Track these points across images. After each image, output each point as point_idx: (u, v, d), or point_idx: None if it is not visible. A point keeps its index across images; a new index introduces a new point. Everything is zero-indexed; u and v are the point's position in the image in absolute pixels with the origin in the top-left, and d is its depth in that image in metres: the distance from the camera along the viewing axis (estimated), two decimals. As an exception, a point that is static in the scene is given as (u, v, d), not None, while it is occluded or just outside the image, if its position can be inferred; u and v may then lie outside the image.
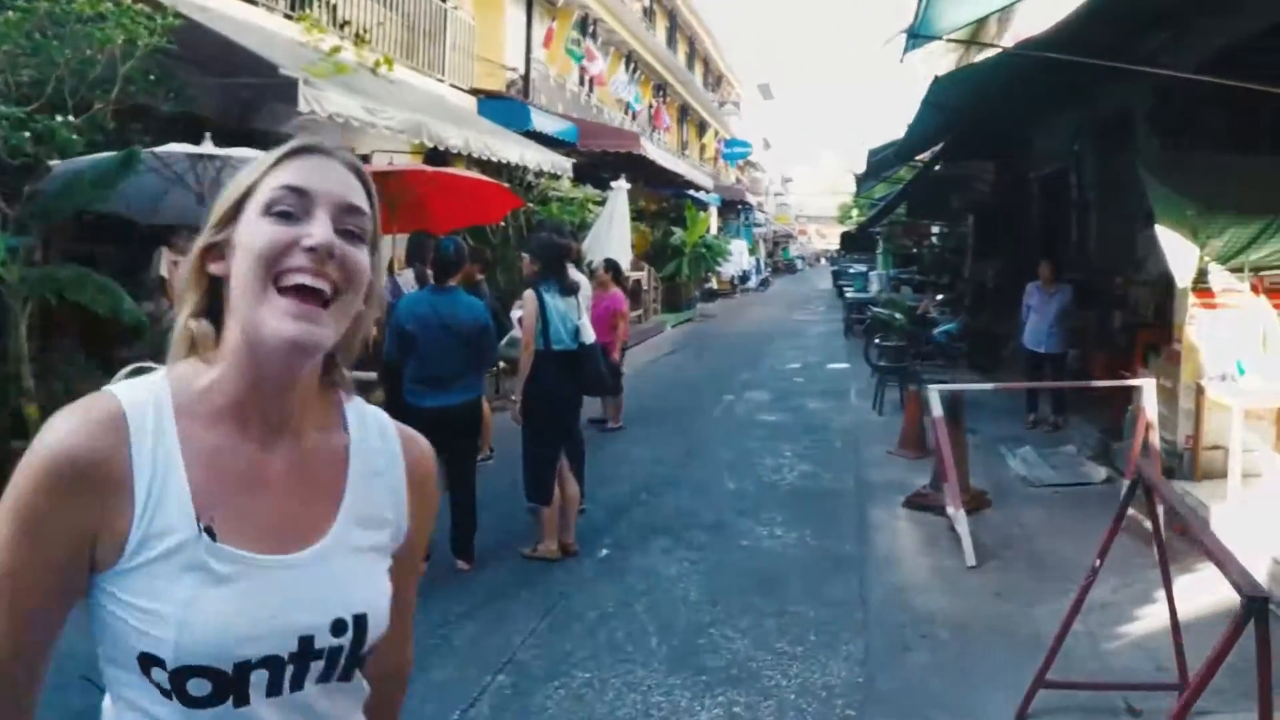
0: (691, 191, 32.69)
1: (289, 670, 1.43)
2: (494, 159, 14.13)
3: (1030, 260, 18.68)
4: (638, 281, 24.77)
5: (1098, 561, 5.03)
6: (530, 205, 16.29)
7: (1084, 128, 16.51)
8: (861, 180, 26.19)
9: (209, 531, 1.39)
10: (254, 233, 1.43)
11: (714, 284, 39.49)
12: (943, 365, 18.10)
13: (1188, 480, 8.79)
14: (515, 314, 9.59)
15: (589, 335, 7.73)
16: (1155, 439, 8.12)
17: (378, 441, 1.64)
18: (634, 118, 32.46)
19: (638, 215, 25.66)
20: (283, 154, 1.50)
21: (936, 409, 7.98)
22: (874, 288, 29.48)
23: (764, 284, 53.82)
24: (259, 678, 1.40)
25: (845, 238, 52.66)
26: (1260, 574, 6.79)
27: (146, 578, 1.36)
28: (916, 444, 11.39)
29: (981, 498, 9.03)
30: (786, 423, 13.82)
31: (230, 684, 1.38)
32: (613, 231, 16.04)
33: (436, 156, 14.70)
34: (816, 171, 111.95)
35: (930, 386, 8.10)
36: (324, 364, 1.56)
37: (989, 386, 10.43)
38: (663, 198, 31.43)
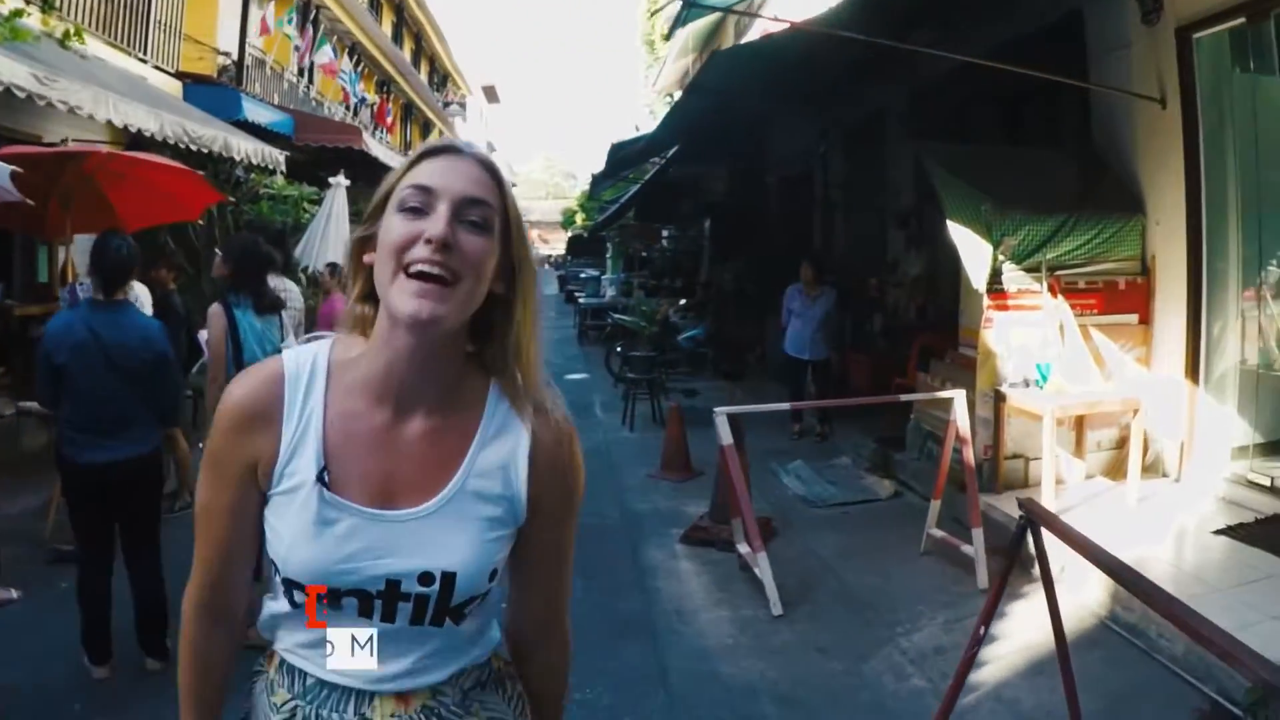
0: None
1: (378, 604, 1.72)
2: (196, 148, 12.35)
3: (775, 263, 18.30)
4: (360, 288, 22.90)
5: (982, 629, 4.01)
6: (231, 200, 14.76)
7: (830, 130, 16.30)
8: (599, 180, 25.09)
9: (323, 480, 1.72)
10: (388, 228, 1.68)
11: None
12: (689, 372, 17.31)
13: (988, 492, 8.10)
14: (203, 335, 7.71)
15: None
16: (970, 453, 7.25)
17: (508, 424, 1.82)
18: (356, 114, 30.73)
19: (359, 217, 23.62)
20: (419, 155, 1.75)
21: (725, 436, 6.86)
22: (608, 293, 28.47)
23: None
24: (349, 603, 1.72)
25: (573, 241, 51.89)
26: (1095, 589, 6.36)
27: (280, 504, 1.75)
28: (681, 464, 10.44)
29: (767, 526, 8.04)
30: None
31: (322, 600, 1.72)
32: (329, 232, 14.40)
33: (138, 146, 12.74)
34: (538, 172, 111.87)
35: (716, 411, 6.90)
36: (471, 350, 1.83)
37: (783, 407, 9.17)
38: (387, 198, 29.72)
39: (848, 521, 8.74)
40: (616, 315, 18.43)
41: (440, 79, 53.83)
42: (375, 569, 1.70)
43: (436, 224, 1.63)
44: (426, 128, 47.94)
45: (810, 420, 12.38)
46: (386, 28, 37.49)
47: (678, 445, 10.48)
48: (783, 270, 17.38)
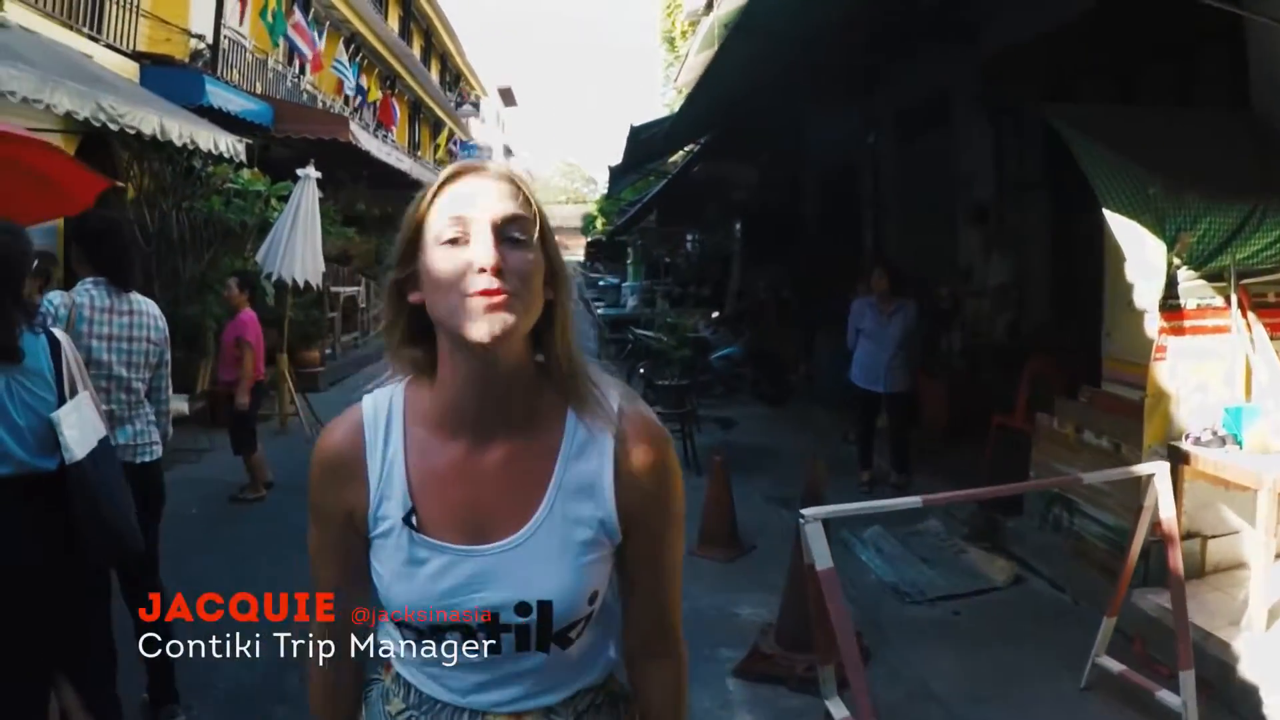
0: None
1: (480, 636, 1.75)
2: (119, 128, 10.22)
3: (816, 270, 15.97)
4: (352, 299, 20.68)
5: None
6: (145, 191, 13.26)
7: (879, 118, 14.24)
8: (618, 174, 22.50)
9: (410, 523, 1.76)
10: (435, 265, 1.66)
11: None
12: (722, 395, 14.97)
13: (1153, 587, 5.85)
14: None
15: (81, 438, 3.77)
16: (1177, 557, 4.86)
17: (592, 439, 1.79)
18: (357, 109, 28.56)
19: (356, 220, 22.29)
20: (440, 183, 1.74)
21: (820, 554, 4.09)
22: (630, 303, 25.86)
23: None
24: (452, 637, 1.75)
25: (591, 246, 49.59)
26: None
27: (378, 547, 1.79)
28: (726, 538, 8.00)
29: (857, 642, 5.58)
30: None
31: (426, 637, 1.76)
32: (296, 235, 12.15)
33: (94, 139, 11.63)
34: (556, 177, 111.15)
35: (805, 517, 4.14)
36: (541, 369, 1.80)
37: (914, 501, 5.23)
38: (387, 200, 27.54)
39: (961, 628, 6.37)
40: (639, 331, 15.92)
41: (453, 78, 51.98)
42: (471, 603, 1.73)
43: (484, 252, 1.63)
44: (437, 128, 45.98)
45: (882, 466, 9.94)
46: (393, 23, 35.46)
47: (722, 513, 8.05)
48: (826, 277, 15.22)
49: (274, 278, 12.54)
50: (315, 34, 23.12)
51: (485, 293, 1.60)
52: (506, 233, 1.66)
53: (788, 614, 5.77)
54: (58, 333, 3.92)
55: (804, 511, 4.17)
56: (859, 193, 15.56)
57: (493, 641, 1.75)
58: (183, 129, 11.28)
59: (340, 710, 2.01)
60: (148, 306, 5.03)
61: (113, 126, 9.89)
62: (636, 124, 15.27)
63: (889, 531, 8.13)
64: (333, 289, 18.66)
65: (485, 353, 1.65)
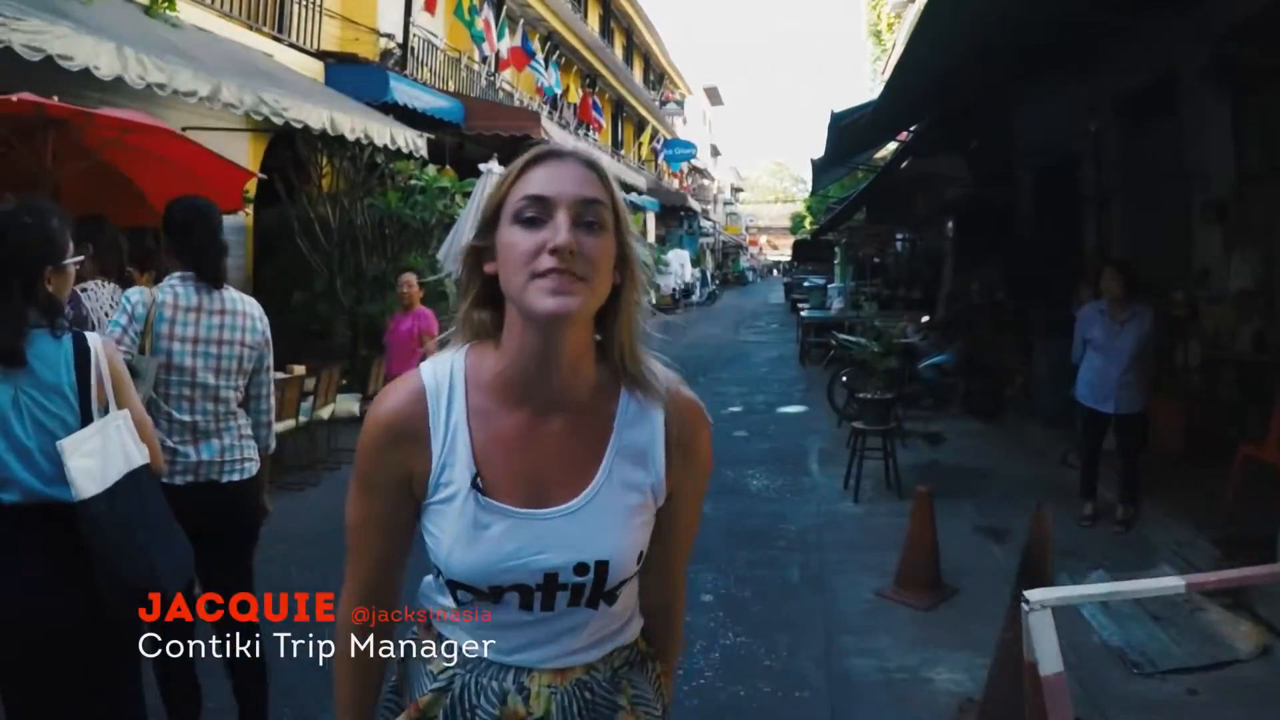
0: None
1: (537, 595, 1.81)
2: (293, 123, 9.96)
3: (1032, 271, 14.72)
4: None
5: None
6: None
7: (1099, 104, 12.72)
8: (820, 168, 21.26)
9: (477, 486, 1.80)
10: (510, 240, 1.72)
11: (652, 299, 34.84)
12: (932, 408, 13.83)
13: None
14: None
15: (98, 471, 3.11)
16: None
17: (644, 411, 1.89)
18: (556, 108, 28.19)
19: None
20: (523, 164, 1.78)
21: (1047, 655, 3.00)
22: (835, 305, 24.51)
23: (710, 298, 49.46)
24: (510, 597, 1.81)
25: (798, 246, 48.45)
26: None
27: (437, 512, 1.84)
28: (926, 580, 6.83)
29: None
30: (714, 523, 8.47)
31: (486, 596, 1.82)
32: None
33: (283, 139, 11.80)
34: (765, 177, 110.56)
35: (1032, 603, 3.00)
36: (601, 347, 1.87)
37: (1178, 583, 3.97)
38: (585, 198, 27.20)
39: (1198, 712, 5.14)
40: (841, 336, 14.81)
41: (656, 77, 51.69)
42: (533, 564, 1.79)
43: (559, 233, 1.67)
44: (640, 127, 45.64)
45: (1106, 496, 8.65)
46: (593, 22, 35.11)
47: (925, 552, 6.87)
48: (1043, 279, 14.00)
49: (454, 276, 11.94)
50: (510, 33, 22.69)
51: (555, 271, 1.66)
52: (581, 217, 1.71)
53: (995, 696, 4.72)
54: (92, 338, 3.22)
55: (1029, 596, 3.12)
56: (1078, 186, 14.18)
57: (548, 599, 1.82)
58: (355, 123, 10.87)
59: (370, 692, 2.03)
60: (245, 305, 4.39)
61: (276, 120, 9.63)
62: (837, 110, 14.14)
63: (1114, 578, 7.01)
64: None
65: (550, 328, 1.72)
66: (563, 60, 29.09)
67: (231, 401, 4.32)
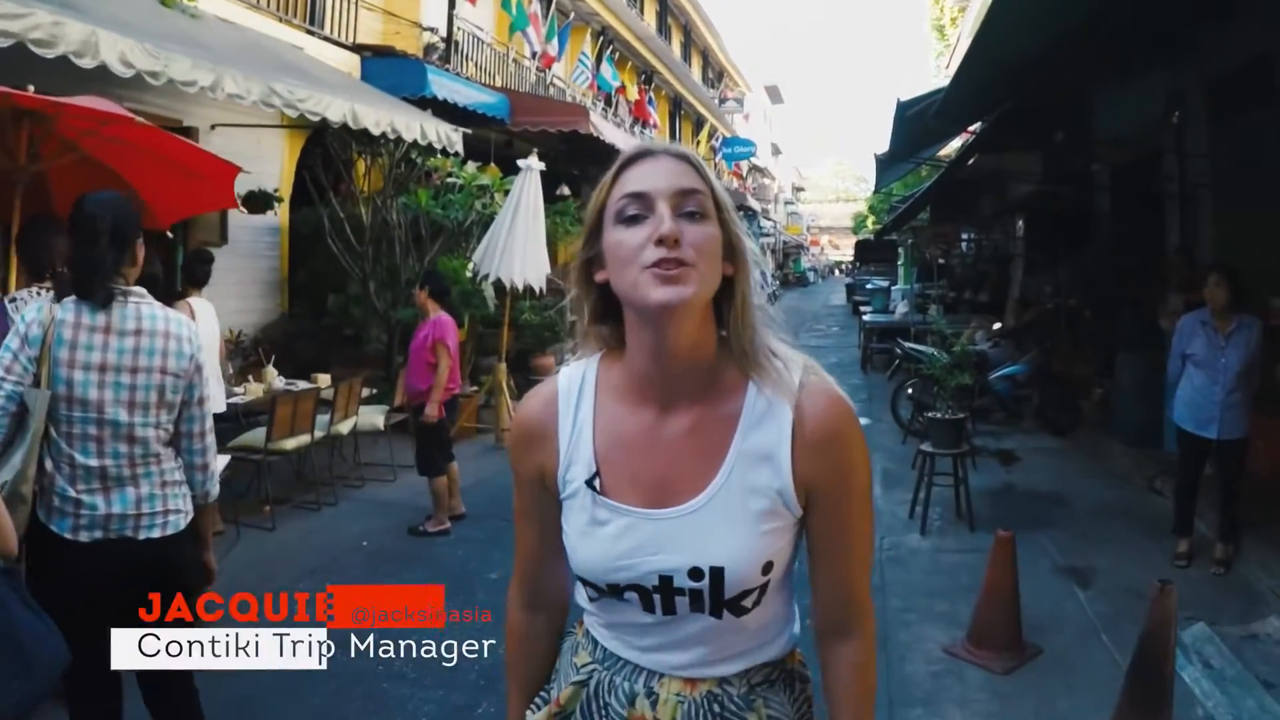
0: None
1: (655, 597, 1.81)
2: (309, 115, 9.25)
3: (1109, 274, 14.08)
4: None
5: None
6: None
7: (1184, 92, 11.71)
8: (884, 164, 20.11)
9: (592, 486, 1.84)
10: (616, 241, 1.74)
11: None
12: (1003, 422, 12.92)
13: None
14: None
15: None
16: None
17: (772, 409, 1.81)
18: (612, 105, 27.47)
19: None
20: (618, 167, 1.80)
21: None
22: (899, 309, 23.37)
23: (771, 298, 47.76)
24: (630, 596, 1.83)
25: (861, 246, 47.33)
26: None
27: (567, 508, 1.89)
28: (1006, 638, 5.86)
29: None
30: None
31: (607, 594, 1.85)
32: (516, 233, 10.88)
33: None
34: (826, 176, 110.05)
35: None
36: (723, 341, 1.84)
37: None
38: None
39: None
40: (907, 345, 13.86)
41: (715, 75, 50.91)
42: (648, 565, 1.79)
43: (662, 223, 1.69)
44: (699, 124, 44.89)
45: (1201, 531, 7.74)
46: (650, 19, 34.40)
47: (1004, 606, 5.89)
48: (1123, 284, 13.04)
49: (490, 279, 11.47)
50: (556, 28, 21.92)
51: (663, 263, 1.67)
52: (683, 208, 1.72)
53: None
54: None
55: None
56: (1162, 184, 13.15)
57: (668, 603, 1.81)
58: (381, 116, 10.08)
59: (531, 662, 2.09)
60: (168, 324, 3.58)
61: (290, 112, 8.93)
62: (904, 99, 13.16)
63: (1219, 634, 6.11)
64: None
65: (665, 322, 1.72)
66: (617, 56, 28.30)
67: (151, 442, 3.53)
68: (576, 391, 1.90)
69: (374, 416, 10.14)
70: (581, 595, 1.96)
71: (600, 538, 1.82)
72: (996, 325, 15.04)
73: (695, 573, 1.77)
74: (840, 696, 1.91)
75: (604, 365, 1.91)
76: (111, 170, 6.72)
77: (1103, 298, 14.24)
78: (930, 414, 8.94)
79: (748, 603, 1.80)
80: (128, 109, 6.46)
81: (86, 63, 6.72)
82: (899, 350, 14.09)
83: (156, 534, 3.52)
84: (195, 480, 3.71)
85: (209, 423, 3.73)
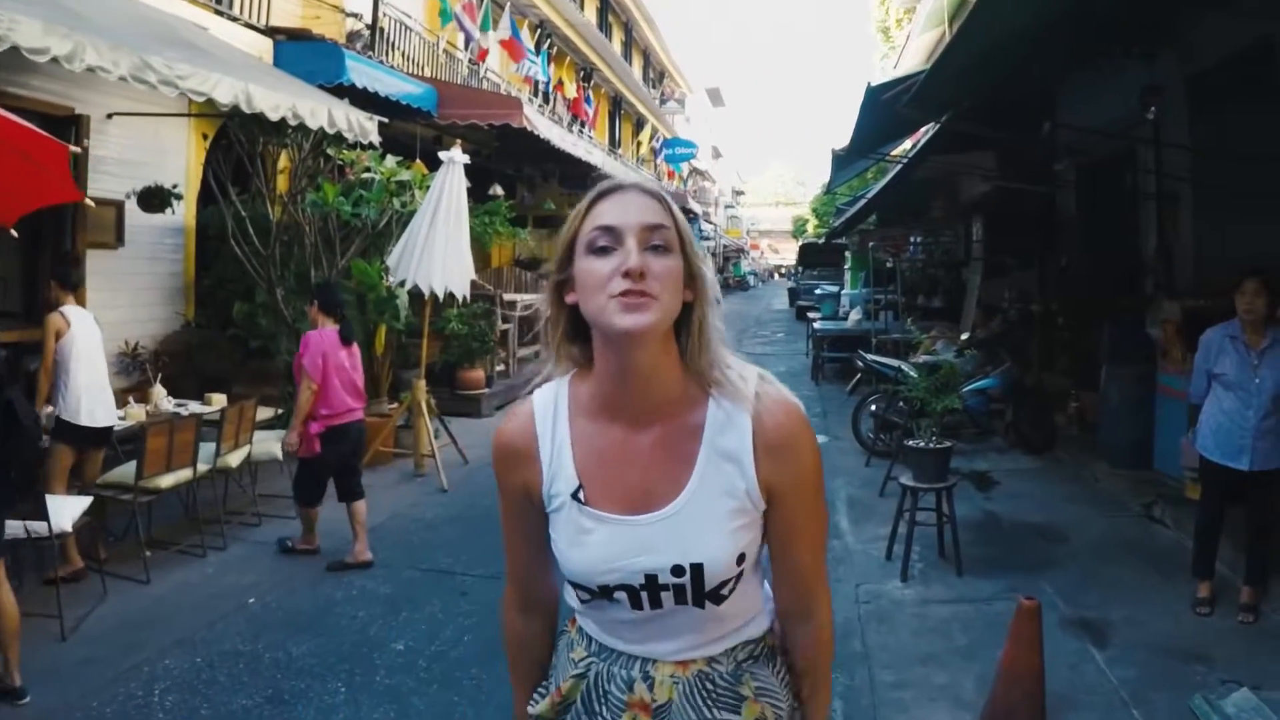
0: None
1: (643, 594, 1.90)
2: (192, 95, 7.92)
3: (1082, 279, 13.35)
4: (534, 307, 18.11)
5: None
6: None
7: (1166, 84, 10.80)
8: (844, 159, 18.97)
9: (577, 498, 1.92)
10: (587, 269, 1.81)
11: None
12: (975, 438, 11.98)
13: None
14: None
15: None
16: None
17: (732, 417, 1.90)
18: (549, 102, 26.35)
19: (548, 221, 20.64)
20: (591, 200, 1.88)
21: None
22: (853, 315, 22.19)
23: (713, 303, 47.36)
24: (620, 596, 1.92)
25: (805, 249, 46.45)
26: None
27: (553, 520, 1.97)
28: None
29: None
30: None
31: (599, 595, 1.93)
32: (436, 236, 9.70)
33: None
34: (767, 181, 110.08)
35: None
36: (684, 363, 1.91)
37: None
38: (578, 198, 25.44)
39: None
40: (871, 358, 12.80)
41: (657, 74, 49.99)
42: (634, 566, 1.89)
43: (629, 257, 1.76)
44: (639, 124, 43.87)
45: (1226, 575, 6.74)
46: (590, 15, 33.34)
47: (1028, 690, 4.76)
48: (1099, 289, 12.10)
49: (407, 285, 10.26)
50: (493, 24, 20.74)
51: (629, 293, 1.75)
52: (649, 241, 1.80)
53: None
54: None
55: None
56: (1136, 182, 12.19)
57: (654, 598, 1.91)
58: (280, 99, 8.82)
59: (527, 660, 2.22)
60: None
61: (167, 91, 7.53)
62: (875, 83, 12.06)
63: (1266, 701, 5.09)
64: (506, 296, 16.31)
65: (629, 345, 1.81)
66: (555, 50, 27.15)
67: None
68: (552, 411, 1.99)
69: (271, 444, 8.83)
70: (572, 597, 2.04)
71: (588, 545, 1.91)
72: (965, 335, 13.93)
73: (677, 570, 1.87)
74: (804, 670, 2.09)
75: (574, 386, 2.00)
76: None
77: (1077, 303, 13.29)
78: (911, 442, 7.79)
79: (725, 591, 1.91)
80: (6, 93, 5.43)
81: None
82: (861, 363, 13.01)
83: None
84: None
85: None
